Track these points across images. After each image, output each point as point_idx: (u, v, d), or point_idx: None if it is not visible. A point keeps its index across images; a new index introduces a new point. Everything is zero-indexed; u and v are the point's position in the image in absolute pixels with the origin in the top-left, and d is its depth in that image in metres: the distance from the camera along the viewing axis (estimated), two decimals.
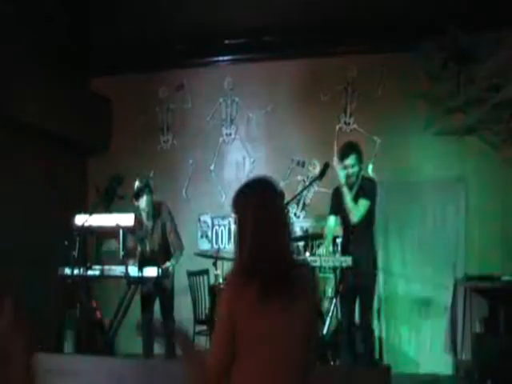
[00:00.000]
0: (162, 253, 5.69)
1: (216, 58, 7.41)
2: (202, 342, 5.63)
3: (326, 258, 4.86)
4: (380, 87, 6.73)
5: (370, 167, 6.36)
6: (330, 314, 4.99)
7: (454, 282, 6.12)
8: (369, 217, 5.05)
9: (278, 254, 2.13)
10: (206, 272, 6.27)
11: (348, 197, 4.98)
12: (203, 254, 6.11)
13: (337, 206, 5.22)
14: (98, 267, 5.30)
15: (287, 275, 2.11)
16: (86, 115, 7.15)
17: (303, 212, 6.85)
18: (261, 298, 2.04)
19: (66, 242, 5.09)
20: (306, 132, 6.98)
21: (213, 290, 5.64)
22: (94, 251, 5.58)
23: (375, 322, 5.68)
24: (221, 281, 5.60)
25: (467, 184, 6.35)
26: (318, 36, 6.65)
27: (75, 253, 5.10)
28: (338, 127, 6.91)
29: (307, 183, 6.51)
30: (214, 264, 5.74)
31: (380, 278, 5.35)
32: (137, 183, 5.64)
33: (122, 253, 5.36)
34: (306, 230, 6.76)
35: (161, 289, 5.58)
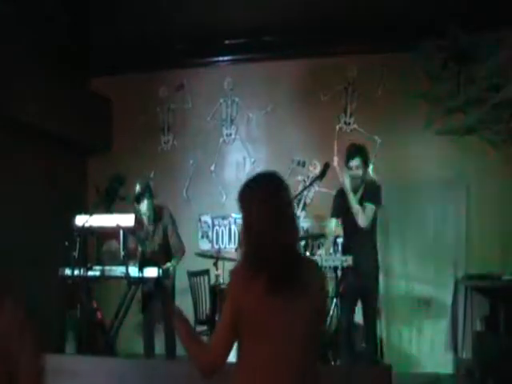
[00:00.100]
0: (163, 254, 5.70)
1: (216, 58, 7.41)
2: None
3: (327, 258, 4.86)
4: (380, 87, 6.74)
5: (371, 167, 6.36)
6: (331, 314, 4.99)
7: (455, 281, 6.13)
8: (372, 219, 5.07)
9: (286, 247, 2.14)
10: (206, 272, 6.27)
11: (354, 202, 4.98)
12: (204, 254, 6.11)
13: (339, 209, 5.21)
14: (98, 268, 5.29)
15: (295, 268, 2.13)
16: (86, 115, 7.15)
17: (303, 212, 6.85)
18: (269, 290, 2.05)
19: (67, 243, 5.08)
20: (307, 132, 6.98)
21: (213, 291, 5.64)
22: (95, 252, 5.58)
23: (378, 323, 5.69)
24: (221, 281, 5.60)
25: (468, 183, 6.35)
26: (317, 36, 6.65)
27: (75, 253, 5.09)
28: (338, 127, 6.91)
29: (307, 183, 6.51)
30: (215, 264, 5.74)
31: (381, 277, 5.35)
32: (137, 187, 5.65)
33: (122, 253, 5.36)
34: (307, 230, 6.75)
35: (161, 289, 5.58)
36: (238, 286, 2.13)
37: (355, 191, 5.05)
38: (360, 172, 5.03)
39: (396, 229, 6.45)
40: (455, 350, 5.94)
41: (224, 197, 7.20)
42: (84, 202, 7.25)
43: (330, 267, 4.82)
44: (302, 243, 5.86)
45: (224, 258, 5.79)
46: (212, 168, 7.33)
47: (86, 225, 5.18)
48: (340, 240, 5.44)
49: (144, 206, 5.66)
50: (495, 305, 5.60)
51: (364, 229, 4.98)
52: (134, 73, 7.51)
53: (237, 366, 2.12)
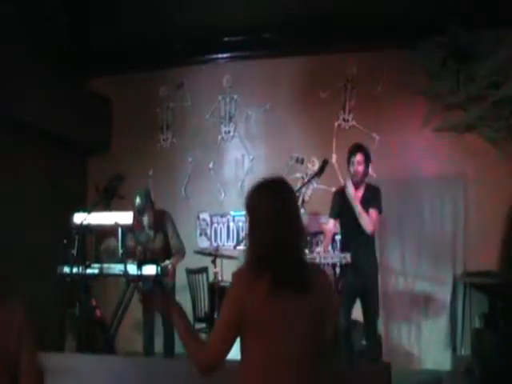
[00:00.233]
0: (163, 253, 5.71)
1: (215, 56, 7.40)
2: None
3: (325, 255, 4.87)
4: (380, 84, 6.72)
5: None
6: None
7: (454, 278, 6.14)
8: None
9: (290, 250, 2.18)
10: (205, 270, 6.28)
11: (358, 209, 4.99)
12: (202, 252, 6.11)
13: (338, 209, 5.22)
14: (97, 265, 5.29)
15: (298, 269, 2.15)
16: (86, 115, 7.15)
17: (302, 209, 6.83)
18: (271, 291, 2.08)
19: (65, 241, 5.09)
20: (305, 129, 6.97)
21: (212, 288, 5.65)
22: (93, 250, 5.58)
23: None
24: (220, 278, 5.60)
25: (466, 181, 6.34)
26: (317, 33, 6.64)
27: (74, 251, 5.09)
28: (336, 124, 6.90)
29: (306, 180, 6.51)
30: (213, 262, 5.74)
31: (380, 275, 5.36)
32: (137, 200, 5.65)
33: (120, 251, 5.36)
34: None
35: (161, 287, 5.59)
36: (241, 285, 2.15)
37: (355, 186, 5.07)
38: (361, 168, 5.06)
39: (395, 226, 6.44)
40: (454, 347, 5.95)
41: (223, 194, 7.20)
42: (84, 201, 7.25)
43: (328, 264, 4.82)
44: None
45: (222, 256, 5.78)
46: (211, 166, 7.33)
47: (85, 223, 5.18)
48: (338, 237, 5.45)
49: (146, 218, 5.73)
50: (494, 302, 5.61)
51: (362, 229, 4.99)
52: (133, 72, 7.51)
53: (240, 365, 2.14)
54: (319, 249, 5.33)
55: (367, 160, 5.13)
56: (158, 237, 5.76)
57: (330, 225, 5.30)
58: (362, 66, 6.84)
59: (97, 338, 5.33)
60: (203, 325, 5.88)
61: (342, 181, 6.21)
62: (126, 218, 5.39)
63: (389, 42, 6.52)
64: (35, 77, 6.35)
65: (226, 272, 5.62)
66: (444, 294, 6.19)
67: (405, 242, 6.45)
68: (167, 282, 5.59)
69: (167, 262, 5.57)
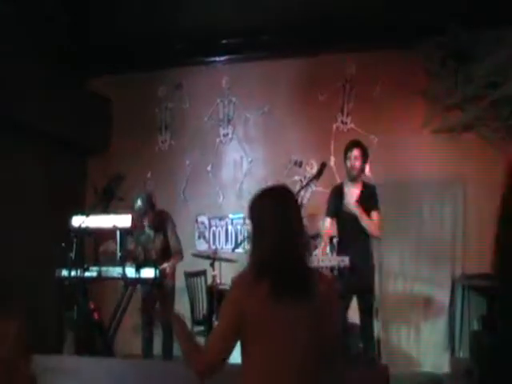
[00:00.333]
0: (162, 255, 5.71)
1: (214, 58, 7.40)
2: (200, 342, 5.62)
3: (323, 258, 4.87)
4: (379, 84, 6.72)
5: (367, 166, 6.36)
6: None
7: (452, 280, 6.14)
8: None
9: (291, 257, 2.20)
10: (203, 273, 6.27)
11: (363, 218, 5.00)
12: (200, 255, 6.11)
13: (335, 208, 5.23)
14: (95, 268, 5.29)
15: (299, 276, 2.17)
16: (86, 115, 7.16)
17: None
18: (271, 295, 2.10)
19: (63, 244, 5.09)
20: (304, 132, 6.97)
21: (210, 291, 5.65)
22: (92, 252, 5.58)
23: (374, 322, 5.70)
24: (218, 281, 5.60)
25: (465, 182, 6.35)
26: (315, 34, 6.65)
27: (72, 254, 5.09)
28: (335, 127, 6.91)
29: (304, 183, 6.51)
30: (212, 265, 5.74)
31: (379, 277, 5.36)
32: (138, 203, 5.65)
33: (119, 254, 5.36)
34: None
35: (161, 290, 5.59)
36: (241, 289, 2.18)
37: (351, 180, 5.10)
38: (357, 163, 5.07)
39: (393, 228, 6.43)
40: (453, 349, 5.94)
41: (221, 197, 7.20)
42: (83, 201, 7.26)
43: (326, 267, 4.82)
44: None
45: (221, 259, 5.79)
46: (209, 168, 7.32)
47: (83, 226, 5.18)
48: (336, 240, 5.45)
49: (146, 218, 5.73)
50: (492, 304, 5.60)
51: (358, 228, 5.00)
52: (133, 72, 7.52)
53: (242, 368, 2.16)
54: (317, 252, 5.33)
55: (364, 156, 5.15)
56: (158, 237, 5.77)
57: (327, 224, 5.29)
58: (361, 66, 6.84)
59: (95, 341, 5.33)
60: (201, 328, 5.88)
61: None
62: (124, 220, 5.39)
63: (388, 41, 6.52)
64: (35, 77, 6.36)
65: (224, 275, 5.63)
66: (443, 296, 6.20)
67: (403, 243, 6.44)
68: (167, 283, 5.60)
69: (165, 264, 5.57)
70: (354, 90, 6.89)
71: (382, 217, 5.11)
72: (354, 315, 5.11)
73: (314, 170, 6.39)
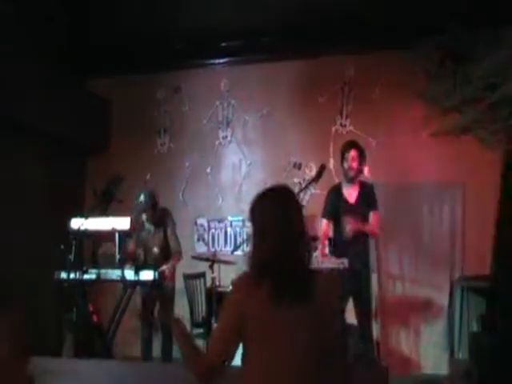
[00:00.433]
0: (162, 256, 5.71)
1: (213, 60, 7.41)
2: (199, 344, 5.63)
3: (323, 260, 4.87)
4: (378, 86, 6.72)
5: (365, 169, 6.36)
6: None
7: (451, 281, 6.14)
8: (364, 219, 5.08)
9: (293, 257, 2.19)
10: (202, 275, 6.26)
11: (363, 228, 5.00)
12: (200, 257, 6.11)
13: (332, 209, 5.23)
14: (94, 271, 5.29)
15: (299, 278, 2.17)
16: (86, 116, 7.17)
17: None
18: (271, 296, 2.09)
19: (62, 246, 5.09)
20: (303, 134, 6.98)
21: (209, 293, 5.64)
22: (91, 255, 5.58)
23: (373, 323, 5.70)
24: (217, 284, 5.60)
25: (464, 184, 6.35)
26: (315, 35, 6.65)
27: (71, 257, 5.09)
28: (334, 129, 6.91)
29: (303, 185, 6.51)
30: (211, 267, 5.74)
31: (378, 279, 5.37)
32: (141, 198, 5.64)
33: (118, 256, 5.36)
34: None
35: (160, 292, 5.59)
36: (241, 291, 2.17)
37: (349, 182, 5.12)
38: (354, 164, 5.08)
39: (392, 230, 6.44)
40: (452, 350, 5.94)
41: (220, 200, 7.20)
42: (83, 202, 7.27)
43: (325, 269, 4.82)
44: None
45: (220, 261, 5.79)
46: (208, 170, 7.33)
47: (82, 228, 5.18)
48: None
49: (144, 215, 5.72)
50: (491, 305, 5.61)
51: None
52: (132, 73, 7.52)
53: (242, 370, 2.15)
54: (316, 254, 5.33)
55: (361, 156, 5.15)
56: (158, 233, 5.75)
57: (324, 225, 5.29)
58: (360, 68, 6.84)
59: (94, 343, 5.33)
60: (200, 330, 5.87)
61: None
62: (123, 223, 5.39)
63: (388, 42, 6.52)
64: (35, 77, 6.37)
65: (223, 277, 5.63)
66: (442, 298, 6.20)
67: (402, 245, 6.45)
68: (167, 285, 5.60)
69: (164, 266, 5.57)
70: (353, 92, 6.90)
71: (381, 215, 5.11)
72: (352, 317, 5.12)
73: (313, 173, 6.38)
